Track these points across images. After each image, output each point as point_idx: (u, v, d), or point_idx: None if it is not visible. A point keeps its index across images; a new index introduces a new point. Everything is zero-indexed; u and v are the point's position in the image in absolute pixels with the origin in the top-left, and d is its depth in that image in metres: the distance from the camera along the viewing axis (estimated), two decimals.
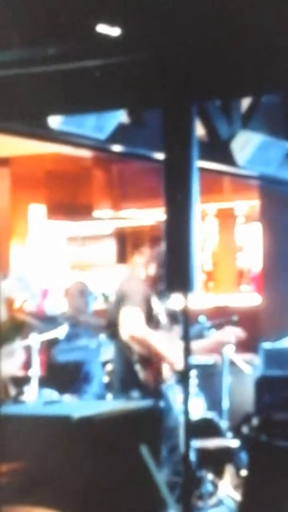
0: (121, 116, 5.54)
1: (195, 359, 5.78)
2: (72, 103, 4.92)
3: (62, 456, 4.34)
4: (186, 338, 4.78)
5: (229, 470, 5.74)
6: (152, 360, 5.64)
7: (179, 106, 4.77)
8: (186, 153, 4.76)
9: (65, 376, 7.22)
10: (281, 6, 4.05)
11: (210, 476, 5.65)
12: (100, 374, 7.32)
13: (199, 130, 5.59)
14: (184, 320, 4.81)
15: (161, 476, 4.52)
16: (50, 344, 7.33)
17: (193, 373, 5.85)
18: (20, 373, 6.85)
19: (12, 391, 6.59)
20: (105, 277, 11.63)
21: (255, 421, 6.07)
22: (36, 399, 6.49)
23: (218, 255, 12.20)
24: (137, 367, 5.59)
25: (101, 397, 7.06)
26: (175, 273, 4.79)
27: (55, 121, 5.13)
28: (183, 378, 4.87)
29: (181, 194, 4.75)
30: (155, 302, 5.71)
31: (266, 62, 4.39)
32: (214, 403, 6.15)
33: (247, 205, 11.66)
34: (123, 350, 5.67)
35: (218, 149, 6.28)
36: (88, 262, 12.66)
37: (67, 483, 4.33)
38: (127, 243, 13.13)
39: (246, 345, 6.84)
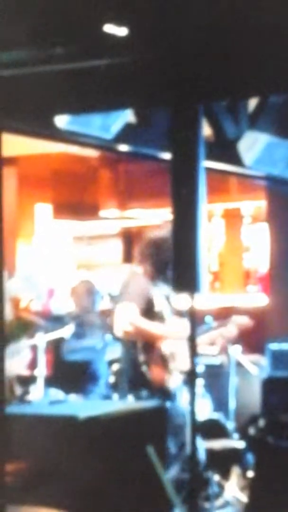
0: (128, 116, 5.53)
1: (202, 359, 5.79)
2: (79, 103, 4.92)
3: (67, 456, 4.34)
4: (193, 338, 4.78)
5: (235, 471, 5.74)
6: (159, 360, 5.64)
7: (186, 106, 4.77)
8: (192, 153, 4.75)
9: (72, 375, 7.22)
10: None
11: (216, 477, 5.64)
12: (106, 374, 7.32)
13: (206, 130, 5.58)
14: (191, 321, 4.80)
15: (168, 476, 4.51)
16: (56, 344, 7.33)
17: (201, 368, 5.83)
18: (26, 372, 6.85)
19: (18, 390, 6.58)
20: (111, 276, 11.62)
21: (261, 422, 6.06)
22: (41, 399, 6.49)
23: (224, 256, 12.18)
24: (144, 368, 5.58)
25: (107, 397, 7.05)
26: (181, 273, 4.78)
27: (61, 121, 5.13)
28: (189, 378, 4.86)
29: (188, 194, 4.74)
30: (157, 297, 5.70)
31: (273, 62, 4.38)
32: (220, 404, 6.15)
33: (254, 205, 11.65)
34: (130, 350, 5.66)
35: (225, 149, 6.28)
36: (94, 262, 12.66)
37: (72, 483, 4.32)
38: (133, 243, 13.12)
39: (253, 346, 6.83)
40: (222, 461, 5.68)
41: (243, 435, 5.95)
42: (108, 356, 7.29)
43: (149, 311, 5.63)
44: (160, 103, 5.01)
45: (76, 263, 12.30)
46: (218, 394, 6.21)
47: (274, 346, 6.81)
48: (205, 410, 5.85)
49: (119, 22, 4.19)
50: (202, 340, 5.74)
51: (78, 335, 7.42)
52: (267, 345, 6.84)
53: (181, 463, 5.30)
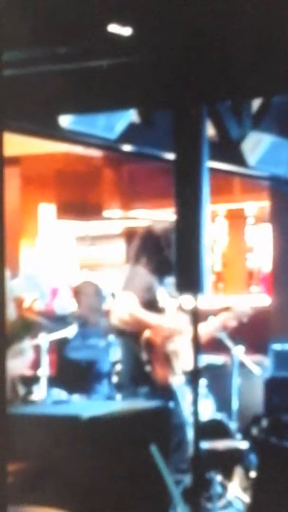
0: (131, 116, 5.53)
1: (204, 358, 5.78)
2: (83, 103, 4.93)
3: (71, 456, 4.34)
4: (196, 338, 4.78)
5: (238, 472, 5.73)
6: (163, 359, 5.63)
7: (190, 107, 4.77)
8: (196, 154, 4.75)
9: (76, 374, 7.22)
10: None
11: (219, 477, 5.63)
12: (110, 374, 7.31)
13: (210, 130, 5.58)
14: (194, 321, 4.80)
15: (171, 476, 4.51)
16: (60, 344, 7.33)
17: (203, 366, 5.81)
18: (29, 372, 6.85)
19: (21, 390, 6.58)
20: (114, 277, 11.62)
21: (264, 423, 6.05)
22: (45, 399, 6.50)
23: (228, 256, 12.18)
24: (148, 368, 5.58)
25: (110, 397, 7.05)
26: (185, 274, 4.78)
27: (65, 121, 5.13)
28: (192, 378, 4.86)
29: (191, 195, 4.74)
30: (161, 294, 5.69)
31: (277, 62, 4.39)
32: (223, 404, 6.14)
33: (257, 206, 11.64)
34: (133, 348, 5.66)
35: (229, 149, 6.27)
36: (98, 262, 12.65)
37: (75, 483, 4.32)
38: None
39: (256, 347, 6.82)
40: (225, 462, 5.67)
41: (246, 436, 5.95)
42: (112, 356, 7.29)
43: (151, 305, 5.62)
44: (164, 103, 5.01)
45: (79, 263, 12.30)
46: (221, 394, 6.20)
47: (277, 346, 6.80)
48: (208, 411, 5.84)
49: (123, 22, 4.19)
50: (202, 330, 5.72)
51: (82, 335, 7.42)
52: (270, 346, 6.83)
53: (174, 464, 5.29)
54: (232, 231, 12.14)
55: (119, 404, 5.93)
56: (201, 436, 4.87)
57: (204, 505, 5.45)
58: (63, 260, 11.63)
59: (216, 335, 6.12)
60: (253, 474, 5.39)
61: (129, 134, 5.57)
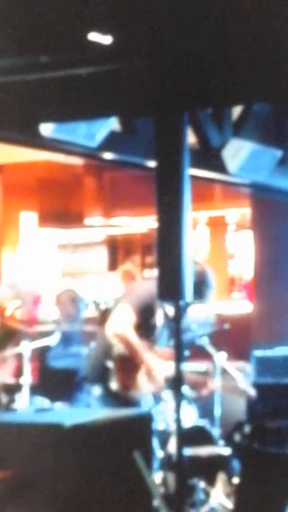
0: (113, 124, 5.54)
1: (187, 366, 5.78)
2: (64, 111, 4.93)
3: (54, 464, 4.33)
4: (178, 346, 4.79)
5: (221, 478, 5.73)
6: (130, 365, 5.66)
7: (171, 114, 4.79)
8: (177, 161, 4.77)
9: (58, 382, 7.22)
10: (271, 16, 4.07)
11: (202, 484, 5.64)
12: None
13: (190, 138, 5.60)
14: (176, 328, 4.82)
15: (155, 483, 4.52)
16: (42, 352, 7.33)
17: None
18: (11, 381, 6.84)
19: (4, 399, 6.58)
20: (97, 284, 11.62)
21: (247, 429, 6.08)
22: (27, 407, 6.49)
23: (209, 263, 12.20)
24: (112, 366, 5.62)
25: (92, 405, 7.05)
26: (166, 281, 4.79)
27: (46, 129, 5.14)
28: (175, 385, 4.87)
29: (173, 202, 4.76)
30: (158, 308, 5.72)
31: (257, 70, 4.41)
32: (206, 411, 6.15)
33: (238, 213, 11.69)
34: (106, 343, 5.69)
35: (210, 157, 6.30)
36: (80, 270, 12.66)
37: (59, 491, 4.32)
38: (118, 250, 13.14)
39: (238, 353, 6.84)
40: (208, 468, 5.67)
41: (229, 442, 5.96)
42: None
43: (146, 321, 5.66)
44: (145, 111, 5.03)
45: (61, 271, 12.30)
46: (203, 401, 6.21)
47: (258, 352, 6.82)
48: (190, 417, 5.86)
49: (103, 31, 4.21)
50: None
51: (64, 343, 7.42)
52: (252, 352, 6.85)
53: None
54: (213, 238, 12.18)
55: (102, 412, 5.93)
56: (184, 442, 4.88)
57: (187, 511, 5.45)
58: (45, 268, 11.62)
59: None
60: (236, 480, 5.40)
61: (110, 142, 5.58)
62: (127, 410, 5.22)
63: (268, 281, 8.88)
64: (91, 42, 4.22)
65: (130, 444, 4.42)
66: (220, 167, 6.37)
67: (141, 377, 5.71)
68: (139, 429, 4.79)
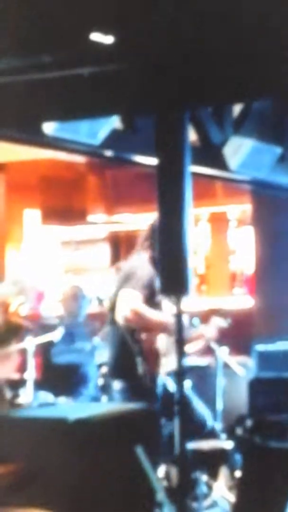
0: (114, 122, 5.58)
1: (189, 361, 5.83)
2: (66, 110, 4.97)
3: (57, 458, 4.35)
4: (180, 341, 4.83)
5: (223, 472, 5.77)
6: (151, 351, 5.59)
7: (172, 113, 4.83)
8: (178, 159, 4.81)
9: (62, 377, 7.26)
10: (271, 14, 4.10)
11: (204, 477, 5.68)
12: (95, 377, 7.36)
13: (192, 135, 5.64)
14: (178, 323, 4.86)
15: (157, 477, 4.56)
16: (46, 347, 7.38)
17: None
18: (15, 376, 6.90)
19: (8, 394, 6.63)
20: (99, 280, 11.66)
21: (248, 423, 6.10)
22: (31, 402, 6.54)
23: (211, 259, 12.24)
24: (138, 359, 5.50)
25: (96, 399, 7.10)
26: (169, 276, 4.84)
27: (49, 128, 5.18)
28: (177, 379, 4.90)
29: (174, 199, 4.80)
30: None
31: (257, 68, 4.44)
32: (208, 404, 6.19)
33: (239, 209, 11.71)
34: (124, 338, 5.57)
35: (211, 154, 6.33)
36: (82, 266, 12.68)
37: (62, 485, 4.34)
38: (120, 247, 13.16)
39: (240, 347, 6.89)
40: (210, 462, 5.71)
41: (231, 436, 5.99)
42: (97, 359, 7.34)
43: (151, 300, 5.59)
44: (146, 109, 5.06)
45: (64, 268, 12.34)
46: (205, 395, 6.26)
47: (260, 347, 6.85)
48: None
49: (105, 31, 4.25)
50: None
51: (67, 338, 7.46)
52: (253, 347, 6.89)
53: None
54: (214, 234, 12.21)
55: (105, 406, 5.97)
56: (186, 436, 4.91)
57: (189, 505, 5.49)
58: (48, 265, 11.67)
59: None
60: (238, 473, 5.44)
61: (112, 140, 5.61)
62: (133, 404, 5.21)
63: (269, 276, 8.92)
64: (93, 42, 4.26)
65: (134, 438, 4.45)
66: (221, 164, 6.40)
67: (163, 358, 5.65)
68: (144, 423, 4.80)
